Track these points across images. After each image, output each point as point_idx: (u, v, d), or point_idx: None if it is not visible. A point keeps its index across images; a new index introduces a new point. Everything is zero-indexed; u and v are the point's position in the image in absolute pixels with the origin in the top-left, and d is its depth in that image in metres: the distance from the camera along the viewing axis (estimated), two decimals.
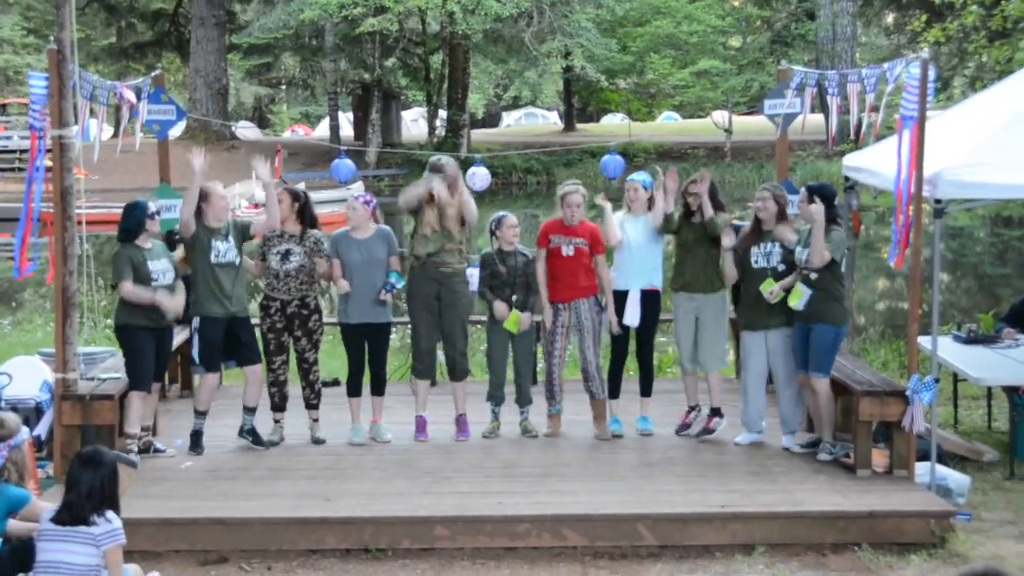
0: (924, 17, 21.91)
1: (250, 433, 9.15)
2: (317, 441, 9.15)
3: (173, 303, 8.61)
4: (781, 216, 8.80)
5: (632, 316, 9.15)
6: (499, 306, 9.16)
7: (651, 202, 9.27)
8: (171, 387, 10.54)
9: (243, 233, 9.06)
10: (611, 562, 7.32)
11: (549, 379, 9.25)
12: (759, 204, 8.87)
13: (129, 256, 8.51)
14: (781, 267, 8.71)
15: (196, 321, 8.87)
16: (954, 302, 20.28)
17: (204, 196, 8.97)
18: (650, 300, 9.21)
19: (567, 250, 9.08)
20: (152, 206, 8.79)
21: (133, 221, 8.58)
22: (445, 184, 9.05)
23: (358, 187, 37.43)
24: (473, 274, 9.64)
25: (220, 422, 9.37)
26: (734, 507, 7.61)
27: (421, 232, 9.08)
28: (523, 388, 9.33)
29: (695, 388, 9.32)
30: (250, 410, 9.14)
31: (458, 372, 9.24)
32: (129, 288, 8.46)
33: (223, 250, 8.85)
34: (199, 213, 8.92)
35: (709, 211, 8.94)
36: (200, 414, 9.01)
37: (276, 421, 9.23)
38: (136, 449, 8.56)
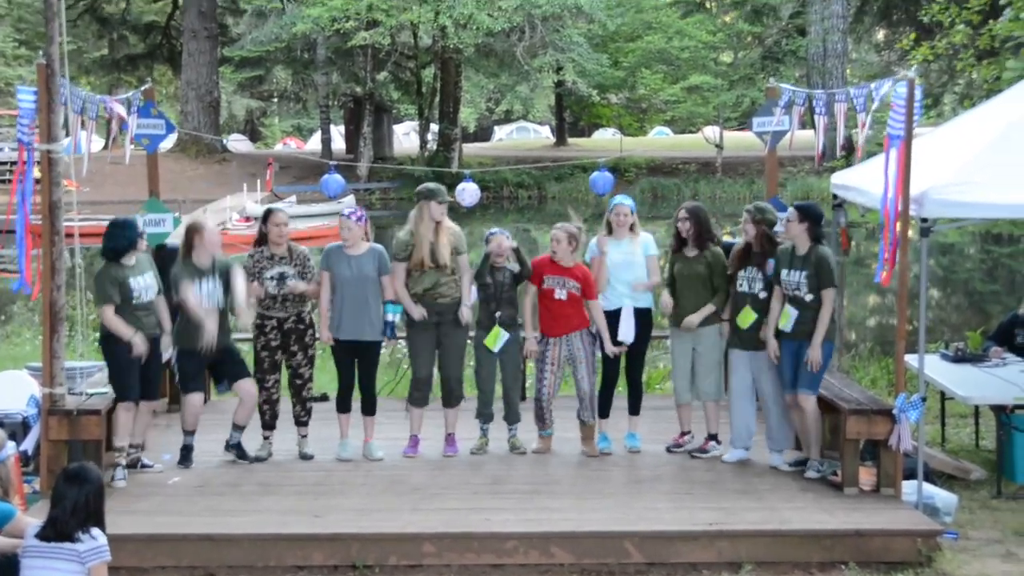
0: (913, 35, 21.95)
1: (235, 447, 9.15)
2: (305, 457, 9.14)
3: (144, 346, 8.50)
4: (766, 239, 8.81)
5: (627, 332, 9.15)
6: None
7: (633, 226, 9.29)
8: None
9: (226, 275, 8.93)
10: None
11: (539, 407, 9.24)
12: (742, 227, 8.94)
13: (113, 276, 8.43)
14: (763, 294, 8.76)
15: (175, 353, 8.88)
16: (944, 318, 20.34)
17: (197, 230, 8.88)
18: (640, 318, 9.22)
19: (560, 293, 9.06)
20: (140, 224, 8.72)
21: (123, 241, 8.49)
22: (444, 208, 9.04)
23: (349, 200, 37.49)
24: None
25: (209, 437, 9.34)
26: (721, 525, 7.61)
27: (415, 270, 9.04)
28: (511, 406, 9.32)
29: (689, 418, 9.34)
30: (238, 428, 9.15)
31: (452, 399, 9.23)
32: (110, 316, 8.39)
33: (206, 293, 8.78)
34: (187, 251, 8.85)
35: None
36: (188, 433, 9.01)
37: (265, 437, 9.23)
38: (124, 463, 8.55)
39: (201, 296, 8.73)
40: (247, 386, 9.06)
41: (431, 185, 9.16)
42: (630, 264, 9.21)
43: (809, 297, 8.43)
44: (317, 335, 9.19)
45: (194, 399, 8.97)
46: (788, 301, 8.53)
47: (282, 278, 8.99)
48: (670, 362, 9.86)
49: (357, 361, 9.13)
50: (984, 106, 10.38)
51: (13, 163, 43.92)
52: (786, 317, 8.51)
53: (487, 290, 9.16)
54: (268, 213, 9.13)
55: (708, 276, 9.05)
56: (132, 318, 8.48)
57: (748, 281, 8.86)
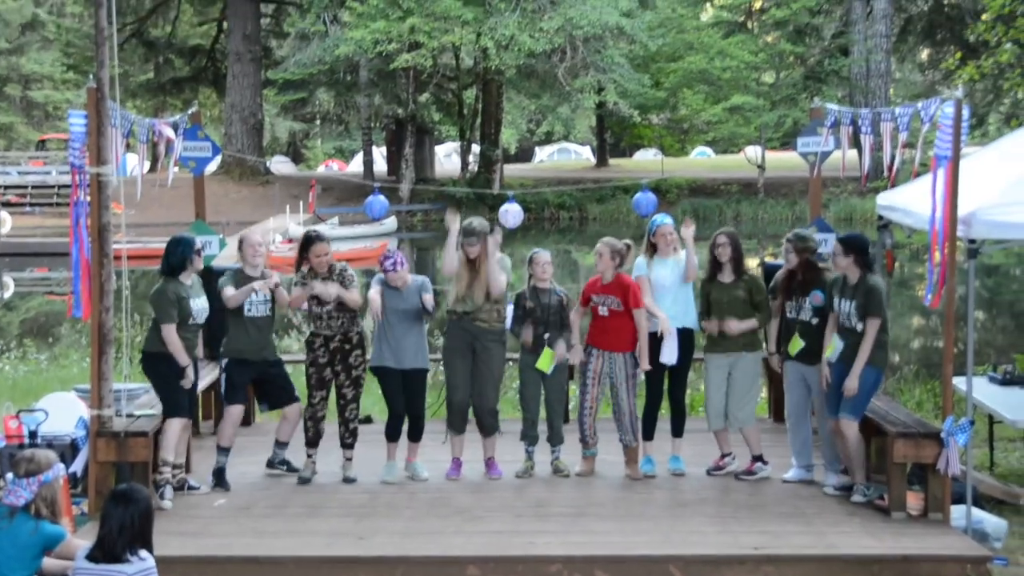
0: (958, 54, 21.87)
1: (283, 463, 9.29)
2: (348, 480, 9.15)
3: (192, 378, 8.67)
4: (809, 267, 8.77)
5: (670, 354, 9.13)
6: (526, 332, 9.13)
7: (675, 246, 9.29)
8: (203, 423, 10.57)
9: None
10: None
11: (581, 425, 9.23)
12: (784, 255, 8.92)
13: (174, 293, 8.55)
14: (815, 320, 8.73)
15: (224, 362, 9.01)
16: (989, 340, 20.12)
17: (240, 242, 9.14)
18: (684, 339, 9.19)
19: (602, 311, 9.10)
20: (198, 242, 8.86)
21: (177, 257, 8.63)
22: (489, 244, 9.03)
23: (391, 222, 37.69)
24: (507, 311, 9.63)
25: (253, 459, 9.40)
26: (766, 549, 7.55)
27: (457, 294, 9.09)
28: (555, 427, 9.31)
29: (727, 440, 9.30)
30: (282, 444, 9.29)
31: (487, 429, 9.23)
32: (173, 337, 8.51)
33: (256, 301, 8.97)
34: (242, 261, 9.15)
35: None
36: (223, 450, 9.06)
37: (308, 456, 9.26)
38: (172, 481, 8.61)
39: (251, 304, 8.96)
40: (294, 408, 9.23)
41: (464, 226, 9.09)
42: (677, 284, 9.19)
43: (860, 326, 8.36)
44: (364, 358, 9.22)
45: (235, 411, 9.09)
46: (838, 331, 8.49)
47: (321, 298, 9.06)
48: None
49: (404, 388, 9.15)
50: None
51: (61, 186, 44.28)
52: (832, 348, 8.47)
53: (534, 314, 9.16)
54: (309, 243, 9.11)
55: (747, 300, 9.03)
56: (183, 338, 8.59)
57: (796, 309, 8.84)
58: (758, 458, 9.15)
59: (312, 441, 9.25)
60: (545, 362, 9.12)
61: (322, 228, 36.65)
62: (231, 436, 9.08)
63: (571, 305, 9.29)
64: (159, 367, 8.66)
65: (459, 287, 9.08)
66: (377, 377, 9.24)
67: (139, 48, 53.56)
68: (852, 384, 8.30)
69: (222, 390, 9.19)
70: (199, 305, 8.71)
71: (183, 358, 8.56)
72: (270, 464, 9.32)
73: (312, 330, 9.18)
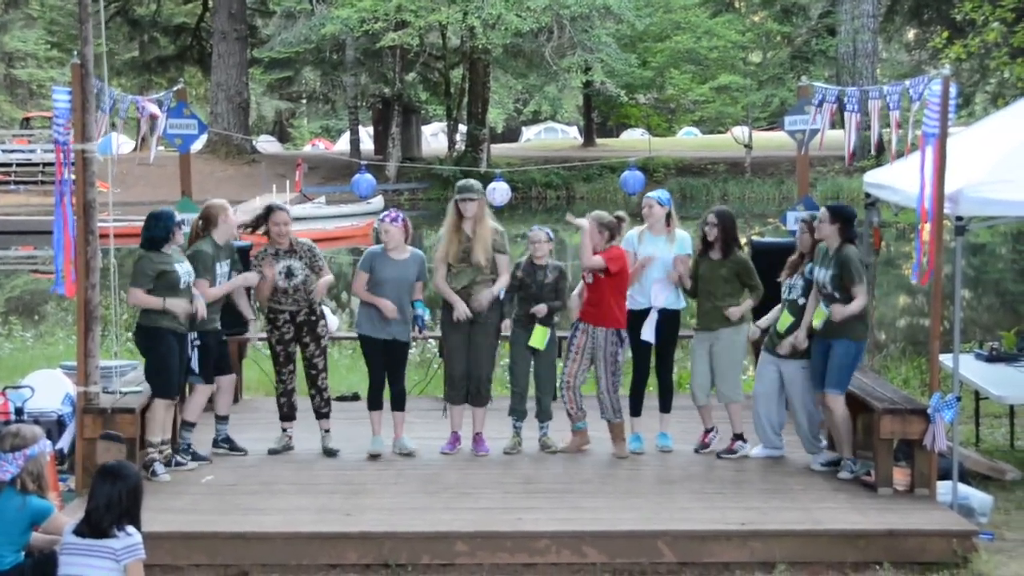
0: (945, 34, 21.87)
1: (225, 442, 9.25)
2: (329, 452, 9.17)
3: (185, 306, 8.54)
4: (816, 243, 8.79)
5: (648, 333, 9.15)
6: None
7: (669, 218, 9.28)
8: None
9: (235, 260, 9.21)
10: None
11: (563, 399, 9.22)
12: (799, 236, 8.91)
13: (155, 262, 8.48)
14: (801, 300, 8.76)
15: (195, 335, 8.87)
16: (976, 319, 20.20)
17: (224, 209, 9.04)
18: (669, 318, 9.22)
19: (588, 277, 9.09)
20: (177, 215, 8.82)
21: (160, 230, 8.54)
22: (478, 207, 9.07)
23: (378, 201, 37.58)
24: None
25: (240, 436, 9.38)
26: (753, 525, 7.58)
27: (452, 255, 9.07)
28: (544, 403, 9.32)
29: (710, 415, 9.32)
30: (222, 419, 9.25)
31: (480, 399, 9.23)
32: (140, 297, 8.44)
33: (222, 273, 8.97)
34: (209, 229, 9.01)
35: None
36: (189, 425, 9.04)
37: (284, 430, 9.30)
38: (159, 459, 8.59)
39: (216, 277, 8.91)
40: (230, 379, 9.27)
41: (459, 183, 9.21)
42: (662, 262, 9.19)
43: (836, 295, 8.41)
44: (327, 327, 9.30)
45: (208, 390, 9.11)
46: (823, 299, 8.52)
47: (290, 272, 9.07)
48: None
49: (387, 358, 9.15)
50: (1019, 103, 10.29)
51: (46, 164, 43.92)
52: (820, 317, 8.47)
53: (528, 290, 9.16)
54: (269, 211, 9.20)
55: (731, 280, 9.04)
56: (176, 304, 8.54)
57: (790, 288, 8.87)
58: (738, 436, 9.17)
59: (287, 415, 9.30)
60: (538, 339, 9.12)
61: (309, 207, 36.58)
62: (199, 412, 9.08)
63: (566, 279, 9.27)
64: (150, 341, 8.58)
65: (452, 250, 9.03)
66: (360, 343, 9.24)
67: (124, 26, 53.30)
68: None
69: (194, 366, 8.97)
70: (183, 268, 8.59)
71: (156, 303, 8.41)
72: (214, 444, 9.25)
73: (272, 306, 9.14)
